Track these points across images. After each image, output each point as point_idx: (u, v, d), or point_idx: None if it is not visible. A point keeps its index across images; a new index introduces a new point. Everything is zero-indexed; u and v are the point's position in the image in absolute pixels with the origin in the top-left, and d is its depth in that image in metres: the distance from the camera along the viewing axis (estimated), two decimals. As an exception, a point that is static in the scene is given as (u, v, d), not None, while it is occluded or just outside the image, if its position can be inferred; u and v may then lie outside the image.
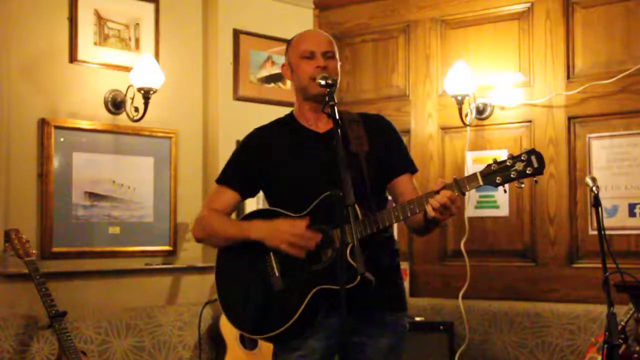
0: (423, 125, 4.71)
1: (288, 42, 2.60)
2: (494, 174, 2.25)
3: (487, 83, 4.48)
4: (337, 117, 2.27)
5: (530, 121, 4.38)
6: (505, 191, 2.32)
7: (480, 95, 4.46)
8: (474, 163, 4.49)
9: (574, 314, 4.07)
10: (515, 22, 4.45)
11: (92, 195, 4.10)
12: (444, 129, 4.65)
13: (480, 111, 4.48)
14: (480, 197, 4.46)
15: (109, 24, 4.20)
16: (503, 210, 4.41)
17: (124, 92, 4.19)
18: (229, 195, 2.56)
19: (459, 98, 4.35)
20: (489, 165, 2.27)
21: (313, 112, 2.52)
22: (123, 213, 4.21)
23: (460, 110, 4.38)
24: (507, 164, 2.25)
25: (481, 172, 2.27)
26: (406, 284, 4.60)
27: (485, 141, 4.50)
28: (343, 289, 2.13)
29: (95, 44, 4.14)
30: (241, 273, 2.49)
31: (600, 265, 2.87)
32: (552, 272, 4.28)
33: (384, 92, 4.85)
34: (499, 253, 4.44)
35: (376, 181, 2.47)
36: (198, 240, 2.63)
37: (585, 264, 4.17)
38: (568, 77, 4.27)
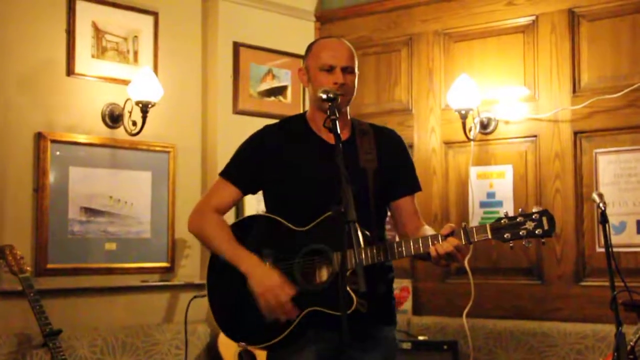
0: (426, 139, 4.69)
1: (309, 46, 2.57)
2: (504, 230, 2.28)
3: (491, 97, 4.46)
4: (338, 132, 2.29)
5: (535, 136, 4.36)
6: (511, 247, 2.32)
7: (484, 109, 4.44)
8: (477, 178, 4.50)
9: (582, 333, 4.04)
10: (520, 35, 4.43)
11: (89, 211, 4.09)
12: (447, 143, 4.63)
13: (484, 125, 4.46)
14: (485, 212, 4.45)
15: (107, 37, 4.19)
16: (508, 227, 4.39)
17: (122, 106, 4.18)
18: (231, 191, 2.55)
19: (463, 112, 4.34)
20: (499, 220, 2.30)
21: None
22: (120, 229, 4.20)
23: (463, 124, 4.37)
24: (518, 220, 2.28)
25: (491, 226, 2.29)
26: (409, 303, 4.59)
27: (489, 156, 4.48)
28: (344, 316, 2.16)
29: (93, 56, 4.14)
30: (234, 278, 2.46)
31: (608, 284, 2.86)
32: (559, 291, 4.25)
33: (386, 106, 4.84)
34: (504, 271, 4.40)
35: (380, 198, 2.48)
36: (191, 232, 2.60)
37: (593, 282, 4.14)
38: (574, 91, 4.26)
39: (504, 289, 4.40)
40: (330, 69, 2.45)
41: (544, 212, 2.28)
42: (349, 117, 2.56)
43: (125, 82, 4.15)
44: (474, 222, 4.47)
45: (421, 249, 2.31)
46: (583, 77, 4.25)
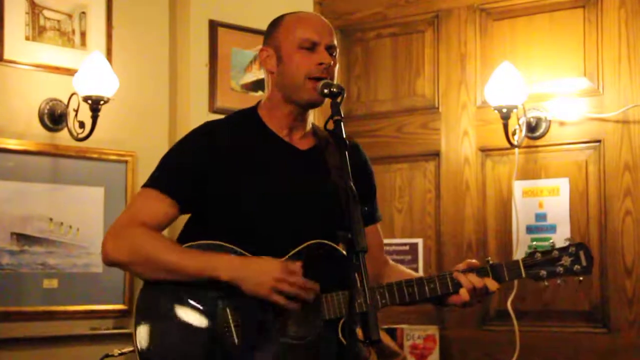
0: (457, 146, 4.64)
1: (274, 20, 2.55)
2: (539, 267, 2.45)
3: (541, 91, 4.41)
4: (344, 135, 2.27)
5: (599, 141, 4.30)
6: (546, 286, 2.50)
7: (532, 106, 4.38)
8: (524, 196, 4.43)
9: (661, 397, 3.98)
10: (579, 12, 4.37)
11: (22, 238, 4.05)
12: (485, 151, 4.58)
13: (532, 128, 4.40)
14: (533, 240, 4.39)
15: (46, 13, 4.16)
16: (563, 258, 4.34)
17: (66, 102, 4.13)
18: (166, 206, 2.42)
19: (505, 111, 4.28)
20: (532, 255, 2.46)
21: (292, 120, 2.47)
22: (63, 261, 4.15)
23: (505, 126, 4.31)
24: (554, 255, 2.46)
25: (524, 262, 2.45)
26: (435, 355, 4.53)
27: (539, 167, 4.41)
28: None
29: (27, 38, 4.11)
30: (179, 330, 2.34)
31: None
32: (630, 341, 4.18)
33: (405, 102, 4.80)
34: (558, 314, 4.34)
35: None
36: (112, 264, 2.42)
37: (675, 330, 4.12)
38: (649, 82, 4.21)
39: (558, 338, 4.33)
40: (311, 47, 2.43)
41: (580, 246, 2.47)
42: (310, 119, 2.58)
43: (69, 72, 4.12)
44: (519, 253, 4.39)
45: (439, 289, 2.40)
46: (662, 65, 4.21)
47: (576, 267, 2.43)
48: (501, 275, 2.41)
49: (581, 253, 2.44)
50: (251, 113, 2.54)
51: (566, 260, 2.44)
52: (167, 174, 2.46)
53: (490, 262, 2.42)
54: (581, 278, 2.45)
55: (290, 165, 2.46)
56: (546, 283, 2.44)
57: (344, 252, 2.17)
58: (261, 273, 2.30)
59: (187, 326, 2.33)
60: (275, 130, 2.48)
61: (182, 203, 2.42)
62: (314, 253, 2.35)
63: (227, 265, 2.32)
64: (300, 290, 2.29)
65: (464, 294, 2.37)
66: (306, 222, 2.36)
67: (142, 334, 2.32)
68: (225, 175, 2.41)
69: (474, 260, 2.44)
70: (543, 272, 2.43)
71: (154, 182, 2.45)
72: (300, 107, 2.46)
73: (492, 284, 2.37)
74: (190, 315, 2.34)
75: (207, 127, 2.52)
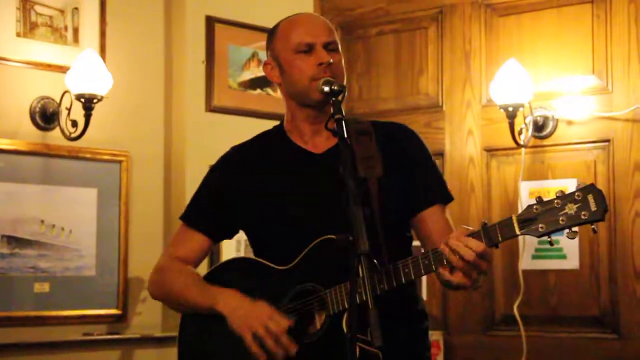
0: (461, 145, 4.63)
1: (270, 31, 2.55)
2: (536, 220, 2.16)
3: (548, 89, 4.40)
4: (345, 135, 2.25)
5: (608, 140, 4.28)
6: (551, 244, 2.19)
7: (538, 105, 4.37)
8: (530, 197, 4.38)
9: (674, 406, 3.92)
10: (587, 7, 4.34)
11: (12, 240, 4.05)
12: (490, 151, 4.57)
13: (539, 127, 4.39)
14: (540, 242, 4.35)
15: (38, 9, 4.16)
16: (572, 261, 4.31)
17: (58, 101, 4.14)
18: (197, 239, 2.60)
19: (510, 109, 4.27)
20: (529, 207, 2.18)
21: (310, 124, 2.48)
22: (54, 264, 4.16)
23: (511, 125, 4.30)
24: (555, 205, 2.15)
25: (519, 217, 2.18)
26: None
27: (546, 167, 4.40)
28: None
29: (18, 35, 4.12)
30: (210, 346, 2.53)
31: None
32: None
33: (408, 101, 4.80)
34: (566, 320, 4.33)
35: (393, 216, 2.44)
36: (155, 298, 2.69)
37: (688, 336, 4.07)
38: (660, 80, 4.17)
39: (566, 344, 4.31)
40: (308, 49, 2.45)
41: (588, 188, 2.15)
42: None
43: (62, 69, 4.12)
44: (525, 255, 4.38)
45: (433, 265, 2.25)
46: (673, 62, 4.17)
47: (583, 213, 2.11)
48: (493, 236, 2.18)
49: (589, 197, 2.12)
50: (278, 128, 2.59)
51: (570, 208, 2.13)
52: (192, 207, 2.64)
53: (485, 224, 2.22)
54: (594, 226, 2.14)
55: (306, 172, 2.49)
56: (550, 239, 2.18)
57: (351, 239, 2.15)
58: (248, 311, 2.41)
59: (216, 340, 2.50)
60: (296, 137, 2.52)
61: (211, 234, 2.60)
62: (322, 250, 2.36)
63: (224, 298, 2.45)
64: (269, 338, 2.34)
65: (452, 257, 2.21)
66: (316, 225, 2.37)
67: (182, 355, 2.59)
68: (243, 196, 2.52)
69: (469, 227, 2.26)
70: (542, 226, 2.14)
71: (183, 215, 2.63)
72: (315, 108, 2.46)
73: (475, 244, 2.15)
74: (218, 330, 2.47)
75: (230, 151, 2.63)
